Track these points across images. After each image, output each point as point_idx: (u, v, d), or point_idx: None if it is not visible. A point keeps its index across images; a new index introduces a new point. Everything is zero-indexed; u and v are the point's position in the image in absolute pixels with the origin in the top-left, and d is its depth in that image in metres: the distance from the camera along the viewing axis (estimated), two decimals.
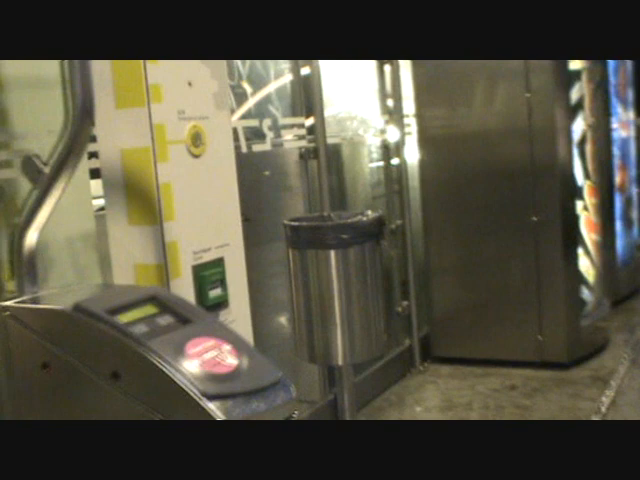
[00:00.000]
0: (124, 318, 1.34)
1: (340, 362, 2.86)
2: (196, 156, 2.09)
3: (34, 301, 1.46)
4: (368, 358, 2.99)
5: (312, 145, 3.51)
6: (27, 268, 1.50)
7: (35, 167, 1.44)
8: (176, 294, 1.46)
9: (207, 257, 2.13)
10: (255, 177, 3.56)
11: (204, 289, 2.10)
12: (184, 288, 2.05)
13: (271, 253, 3.46)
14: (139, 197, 1.99)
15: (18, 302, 1.44)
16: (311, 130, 3.53)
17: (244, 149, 3.08)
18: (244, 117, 3.18)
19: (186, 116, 2.05)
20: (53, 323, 1.37)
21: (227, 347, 1.37)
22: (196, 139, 2.08)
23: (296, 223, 2.85)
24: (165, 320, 1.39)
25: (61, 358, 1.36)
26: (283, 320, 3.53)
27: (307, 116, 3.57)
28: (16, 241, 1.49)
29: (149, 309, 1.40)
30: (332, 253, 2.74)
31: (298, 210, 3.60)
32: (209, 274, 2.12)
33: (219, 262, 2.18)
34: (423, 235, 4.57)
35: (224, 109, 2.19)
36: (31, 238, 1.49)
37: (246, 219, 3.70)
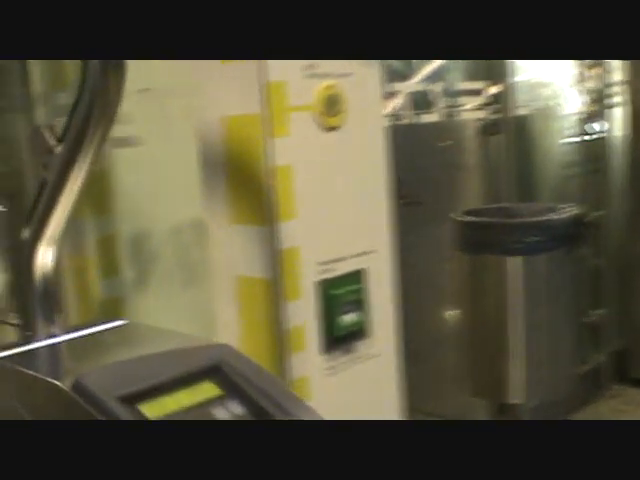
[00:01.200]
0: (152, 409, 0.78)
1: (514, 400, 2.21)
2: (331, 128, 1.49)
3: (39, 355, 0.94)
4: (552, 397, 2.33)
5: (495, 117, 2.83)
6: (40, 299, 0.97)
7: (45, 145, 0.90)
8: (256, 362, 0.88)
9: (340, 269, 1.54)
10: (422, 154, 2.93)
11: (333, 313, 1.51)
12: (304, 312, 1.47)
13: (434, 248, 2.84)
14: (245, 185, 1.43)
15: (14, 354, 0.92)
16: (495, 98, 2.85)
17: (407, 119, 2.46)
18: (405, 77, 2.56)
19: (317, 72, 1.45)
20: (45, 402, 0.84)
21: None
22: (332, 105, 1.49)
23: (468, 218, 2.20)
24: (227, 411, 0.82)
25: None
26: (443, 337, 2.89)
27: (492, 82, 2.89)
28: (23, 260, 0.96)
29: (205, 389, 0.83)
30: (514, 261, 2.08)
31: (472, 197, 2.95)
32: (342, 293, 1.53)
33: (357, 276, 1.58)
34: (626, 227, 3.75)
35: (372, 65, 1.57)
36: (45, 255, 0.95)
37: (411, 202, 3.11)
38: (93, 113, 0.84)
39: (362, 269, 1.59)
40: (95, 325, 1.02)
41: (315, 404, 1.53)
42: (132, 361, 0.84)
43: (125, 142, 1.71)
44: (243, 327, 1.51)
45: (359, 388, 1.61)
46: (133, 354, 0.89)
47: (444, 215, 2.55)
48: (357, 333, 1.59)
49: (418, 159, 2.92)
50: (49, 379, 0.82)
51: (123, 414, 0.76)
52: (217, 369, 0.85)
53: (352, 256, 1.56)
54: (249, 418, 0.83)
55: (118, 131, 1.73)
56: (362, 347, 1.60)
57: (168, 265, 1.85)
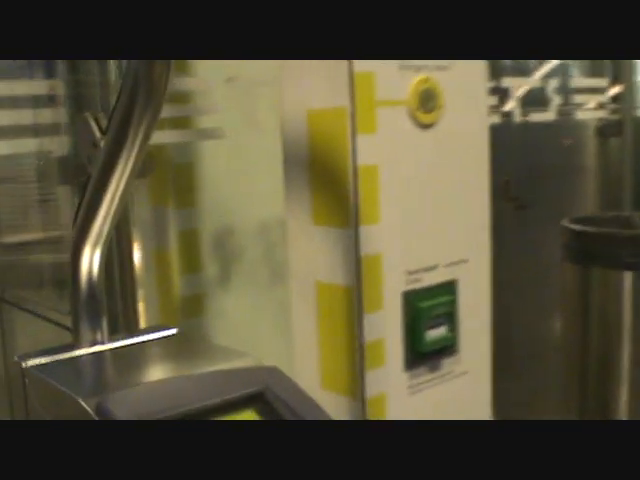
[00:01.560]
0: None
1: None
2: (425, 126, 1.37)
3: (74, 365, 0.86)
4: None
5: (614, 117, 2.62)
6: (84, 304, 0.89)
7: (91, 138, 0.82)
8: (304, 391, 0.77)
9: (429, 279, 1.41)
10: (533, 154, 2.75)
11: (419, 327, 1.39)
12: (386, 324, 1.36)
13: (541, 255, 2.66)
14: (328, 183, 1.32)
15: (50, 361, 0.85)
16: (616, 97, 2.64)
17: (519, 117, 2.30)
18: (517, 71, 2.39)
19: (411, 64, 1.33)
20: (69, 418, 0.76)
21: None
22: (427, 100, 1.36)
23: (579, 227, 2.03)
24: None
25: None
26: (545, 351, 2.71)
27: (612, 80, 2.68)
28: (70, 263, 0.88)
29: (244, 418, 0.73)
30: (629, 276, 1.90)
31: (586, 203, 2.75)
32: (430, 306, 1.40)
33: (449, 287, 1.45)
34: None
35: None
36: (90, 257, 0.87)
37: (520, 206, 2.93)
38: (136, 106, 0.75)
39: (454, 280, 1.46)
40: (144, 333, 0.94)
41: None
42: (166, 383, 0.75)
43: (211, 134, 1.63)
44: (321, 336, 1.41)
45: (444, 409, 1.48)
46: (171, 373, 0.80)
47: (554, 221, 2.39)
48: (445, 349, 1.46)
49: (529, 160, 2.75)
50: (74, 396, 0.73)
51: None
52: (260, 397, 0.75)
53: (444, 265, 1.44)
54: None
55: (204, 122, 1.66)
56: (450, 364, 1.48)
57: (251, 264, 1.77)
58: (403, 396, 1.40)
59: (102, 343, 0.90)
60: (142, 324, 1.75)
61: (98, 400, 0.71)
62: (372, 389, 1.34)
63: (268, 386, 0.76)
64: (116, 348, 0.89)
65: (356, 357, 1.33)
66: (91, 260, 0.88)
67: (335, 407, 1.37)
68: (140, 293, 1.74)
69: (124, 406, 0.70)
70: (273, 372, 0.79)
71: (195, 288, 1.71)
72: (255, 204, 1.71)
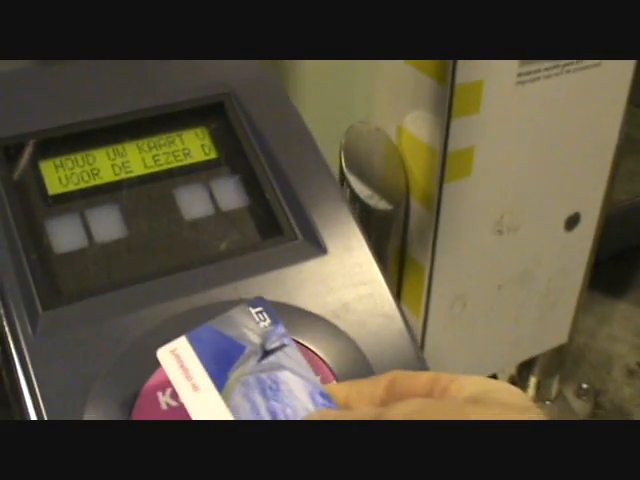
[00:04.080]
0: (59, 173, 0.43)
1: None
2: None
3: None
4: None
5: None
6: None
7: None
8: (296, 115, 0.48)
9: None
10: None
11: None
12: None
13: None
14: None
15: None
16: None
17: None
18: None
19: None
20: None
21: None
22: None
23: None
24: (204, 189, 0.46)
25: None
26: None
27: None
28: None
29: (186, 144, 0.46)
30: None
31: None
32: None
33: None
34: None
35: None
36: None
37: None
38: None
39: None
40: None
41: (488, 116, 1.10)
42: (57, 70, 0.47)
43: None
44: None
45: (558, 105, 1.15)
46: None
47: None
48: None
49: None
50: None
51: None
52: (217, 110, 0.46)
53: None
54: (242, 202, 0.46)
55: None
56: None
57: None
58: (508, 85, 1.08)
59: None
60: None
61: None
62: (466, 73, 1.02)
63: (235, 91, 0.46)
64: None
65: None
66: None
67: (415, 87, 1.07)
68: None
69: None
70: (252, 71, 0.49)
71: None
72: None
